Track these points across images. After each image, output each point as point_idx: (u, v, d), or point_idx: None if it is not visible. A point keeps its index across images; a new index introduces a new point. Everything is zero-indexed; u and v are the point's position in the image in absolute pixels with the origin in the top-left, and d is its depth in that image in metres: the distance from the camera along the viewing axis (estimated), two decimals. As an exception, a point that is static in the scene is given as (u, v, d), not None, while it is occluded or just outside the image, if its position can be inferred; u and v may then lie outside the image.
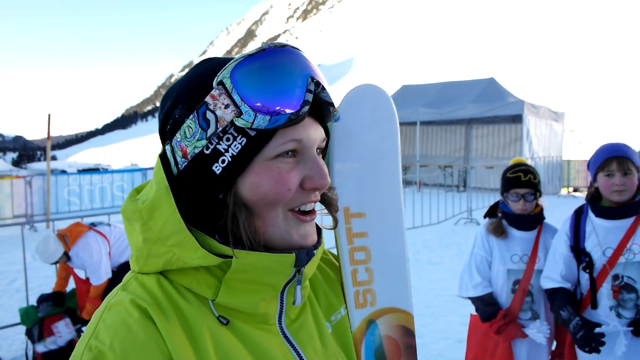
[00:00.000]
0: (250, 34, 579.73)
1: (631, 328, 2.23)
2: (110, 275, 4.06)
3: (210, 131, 0.66)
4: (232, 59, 0.69)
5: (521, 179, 2.59)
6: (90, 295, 4.09)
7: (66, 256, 3.94)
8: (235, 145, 0.66)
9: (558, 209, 12.36)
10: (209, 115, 0.66)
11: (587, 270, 2.34)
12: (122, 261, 4.22)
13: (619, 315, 2.29)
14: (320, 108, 0.72)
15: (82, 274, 4.34)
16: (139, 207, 0.69)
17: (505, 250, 2.69)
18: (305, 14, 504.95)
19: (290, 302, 0.76)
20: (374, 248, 0.94)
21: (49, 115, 10.54)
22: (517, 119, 15.61)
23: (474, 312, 2.87)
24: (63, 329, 4.02)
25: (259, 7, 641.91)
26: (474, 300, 2.75)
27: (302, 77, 0.66)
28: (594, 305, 2.32)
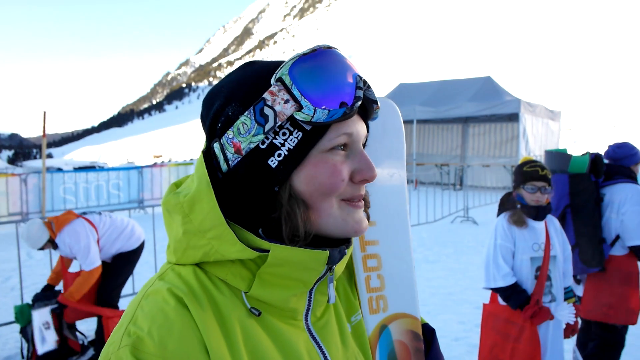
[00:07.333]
0: (246, 32, 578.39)
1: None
2: (99, 262, 3.98)
3: (269, 126, 0.69)
4: (280, 61, 0.73)
5: (539, 172, 2.83)
6: (72, 288, 3.94)
7: (52, 243, 3.89)
8: (291, 140, 0.69)
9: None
10: (267, 110, 0.69)
11: None
12: (113, 252, 4.16)
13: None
14: (365, 105, 0.76)
15: (76, 267, 4.24)
16: (181, 200, 0.72)
17: (528, 239, 2.89)
18: (302, 12, 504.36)
19: (317, 300, 0.79)
20: (384, 255, 0.98)
21: (45, 112, 10.50)
22: (513, 117, 15.65)
23: (486, 302, 3.06)
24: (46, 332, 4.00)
25: (255, 5, 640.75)
26: (504, 289, 2.88)
27: (352, 76, 0.71)
28: None
